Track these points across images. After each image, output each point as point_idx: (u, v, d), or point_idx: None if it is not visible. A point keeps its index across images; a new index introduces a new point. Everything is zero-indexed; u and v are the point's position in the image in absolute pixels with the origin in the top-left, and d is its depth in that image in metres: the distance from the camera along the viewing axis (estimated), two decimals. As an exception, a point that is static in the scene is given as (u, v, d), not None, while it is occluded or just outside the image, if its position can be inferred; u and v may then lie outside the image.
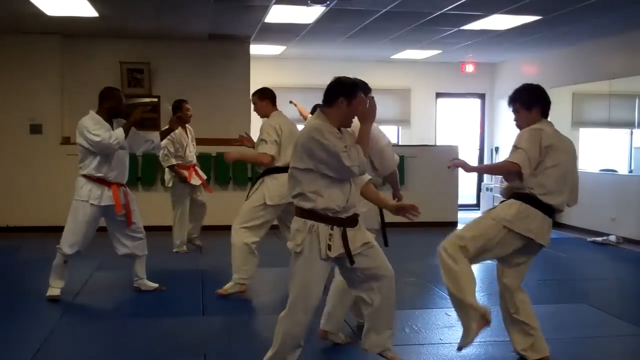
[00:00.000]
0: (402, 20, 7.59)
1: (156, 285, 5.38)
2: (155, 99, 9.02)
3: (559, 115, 10.10)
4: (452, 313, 4.89)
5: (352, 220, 3.37)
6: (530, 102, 3.87)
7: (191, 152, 7.08)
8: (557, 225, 9.65)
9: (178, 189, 7.06)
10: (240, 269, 5.15)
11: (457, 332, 4.46)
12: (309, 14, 7.32)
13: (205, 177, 7.30)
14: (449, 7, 6.86)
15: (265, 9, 7.06)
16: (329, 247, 3.26)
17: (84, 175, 4.96)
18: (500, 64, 11.59)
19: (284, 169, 5.07)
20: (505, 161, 3.76)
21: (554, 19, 7.42)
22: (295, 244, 3.30)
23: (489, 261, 7.06)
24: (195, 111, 9.13)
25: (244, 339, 4.28)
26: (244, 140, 5.66)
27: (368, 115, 3.37)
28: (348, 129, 3.43)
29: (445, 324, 4.62)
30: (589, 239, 8.40)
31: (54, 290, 5.06)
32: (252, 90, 9.50)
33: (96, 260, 6.26)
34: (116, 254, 5.29)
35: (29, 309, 4.90)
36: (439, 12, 7.12)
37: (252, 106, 5.45)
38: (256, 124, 10.37)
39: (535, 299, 5.43)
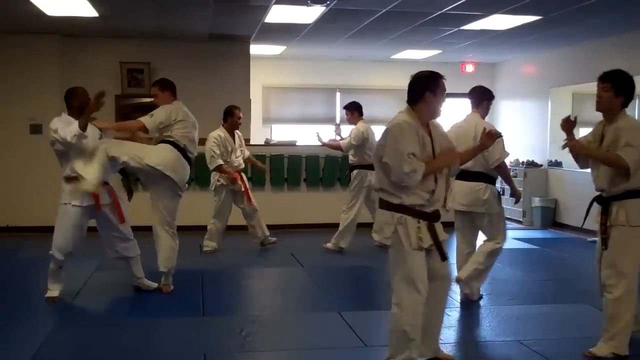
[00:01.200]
0: (402, 20, 7.59)
1: (156, 284, 5.38)
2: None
3: (559, 115, 10.11)
4: (452, 313, 4.90)
5: (436, 216, 3.47)
6: (622, 89, 3.94)
7: (237, 158, 7.07)
8: (557, 225, 9.66)
9: (220, 194, 7.06)
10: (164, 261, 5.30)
11: (457, 332, 4.47)
12: (309, 14, 7.32)
13: (248, 186, 7.28)
14: (449, 7, 6.86)
15: (265, 9, 7.06)
16: (420, 239, 3.36)
17: (65, 177, 4.98)
18: (500, 64, 11.58)
19: (186, 157, 5.27)
20: (617, 155, 3.81)
21: (554, 19, 7.41)
22: (383, 237, 3.40)
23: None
24: (195, 111, 9.17)
25: (243, 339, 4.28)
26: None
27: (450, 162, 3.56)
28: (436, 121, 3.58)
29: (445, 324, 4.59)
30: (589, 239, 8.39)
31: (52, 292, 5.07)
32: (252, 91, 9.67)
33: (96, 261, 6.26)
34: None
35: (29, 309, 4.89)
36: (439, 12, 7.12)
37: (154, 98, 5.53)
38: (256, 125, 10.42)
39: (535, 298, 5.46)
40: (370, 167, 7.25)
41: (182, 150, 5.26)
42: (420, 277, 3.39)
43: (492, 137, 3.72)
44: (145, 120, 5.21)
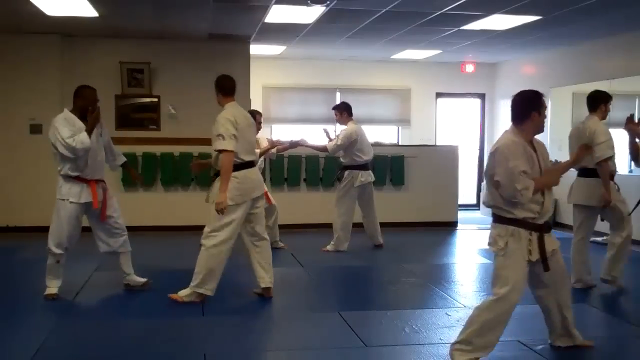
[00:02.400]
0: (402, 20, 7.59)
1: (144, 280, 5.43)
2: (155, 99, 9.06)
3: (559, 115, 10.13)
4: (452, 313, 4.91)
5: (548, 227, 3.70)
6: None
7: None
8: (557, 225, 9.65)
9: None
10: (203, 277, 4.99)
11: (457, 332, 4.46)
12: (309, 14, 7.32)
13: (265, 188, 7.22)
14: (449, 7, 6.86)
15: (265, 9, 7.06)
16: (530, 252, 3.60)
17: (62, 175, 5.03)
18: (500, 64, 11.59)
19: (243, 166, 5.02)
20: None
21: (554, 19, 7.42)
22: (498, 248, 3.63)
23: (488, 261, 7.09)
24: (195, 111, 9.19)
25: (244, 339, 4.28)
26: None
27: (554, 182, 3.76)
28: (538, 137, 3.78)
29: (445, 324, 4.62)
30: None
31: (51, 289, 5.09)
32: (252, 91, 9.67)
33: (96, 261, 6.26)
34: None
35: (29, 309, 4.90)
36: (439, 12, 7.12)
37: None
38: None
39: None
40: (361, 167, 7.26)
41: (247, 164, 5.07)
42: (521, 287, 3.64)
43: (585, 150, 4.05)
44: (225, 145, 4.88)
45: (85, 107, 5.04)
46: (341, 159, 7.35)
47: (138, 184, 8.44)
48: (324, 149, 7.38)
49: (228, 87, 5.24)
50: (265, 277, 5.22)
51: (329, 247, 7.28)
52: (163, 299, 5.17)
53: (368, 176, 7.30)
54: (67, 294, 5.17)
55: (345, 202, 7.24)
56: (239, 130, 4.97)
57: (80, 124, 4.99)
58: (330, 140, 7.43)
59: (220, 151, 4.92)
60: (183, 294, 5.04)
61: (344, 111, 7.31)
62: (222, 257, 5.03)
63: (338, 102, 11.44)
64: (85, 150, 4.89)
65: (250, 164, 5.11)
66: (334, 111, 7.45)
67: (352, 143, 7.12)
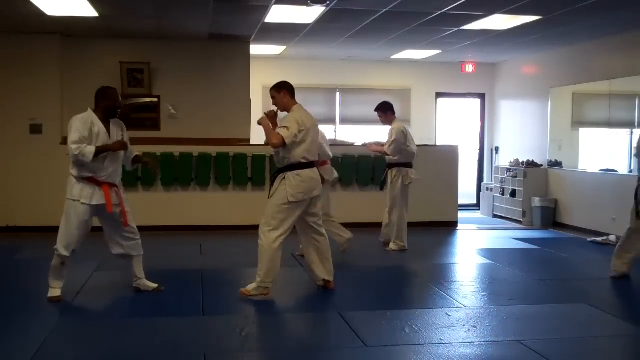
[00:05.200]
0: (402, 20, 7.60)
1: (155, 285, 5.36)
2: (155, 99, 9.07)
3: (559, 115, 10.13)
4: (452, 313, 4.91)
5: None
6: None
7: None
8: (557, 225, 9.66)
9: None
10: (267, 271, 5.13)
11: (457, 332, 4.46)
12: (309, 14, 7.32)
13: None
14: (449, 7, 6.86)
15: (265, 9, 7.07)
16: None
17: (74, 176, 4.96)
18: (500, 64, 11.59)
19: (306, 165, 5.18)
20: None
21: (554, 19, 7.42)
22: None
23: (488, 261, 7.09)
24: (195, 111, 9.19)
25: (243, 339, 4.28)
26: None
27: None
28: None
29: (445, 324, 4.62)
30: (589, 239, 8.40)
31: (55, 291, 5.05)
32: (252, 90, 9.68)
33: (96, 261, 6.26)
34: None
35: (29, 309, 4.89)
36: (439, 12, 7.12)
37: (271, 100, 5.50)
38: (256, 125, 10.41)
39: (535, 298, 5.46)
40: (408, 165, 7.19)
41: (310, 163, 5.22)
42: None
43: None
44: (283, 132, 5.07)
45: (109, 107, 5.01)
46: (390, 157, 7.19)
47: (138, 184, 8.46)
48: (385, 153, 7.17)
49: (294, 91, 5.48)
50: (325, 271, 5.46)
51: (393, 247, 7.20)
52: (162, 298, 5.17)
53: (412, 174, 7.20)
54: (68, 294, 5.16)
55: (403, 200, 7.18)
56: (305, 131, 5.16)
57: (101, 125, 4.93)
58: (383, 144, 7.21)
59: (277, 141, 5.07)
60: (251, 287, 5.18)
61: (387, 110, 7.17)
62: (279, 251, 5.18)
63: (338, 102, 11.56)
64: (82, 162, 4.83)
65: (313, 164, 5.27)
66: (376, 112, 7.23)
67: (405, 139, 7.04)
